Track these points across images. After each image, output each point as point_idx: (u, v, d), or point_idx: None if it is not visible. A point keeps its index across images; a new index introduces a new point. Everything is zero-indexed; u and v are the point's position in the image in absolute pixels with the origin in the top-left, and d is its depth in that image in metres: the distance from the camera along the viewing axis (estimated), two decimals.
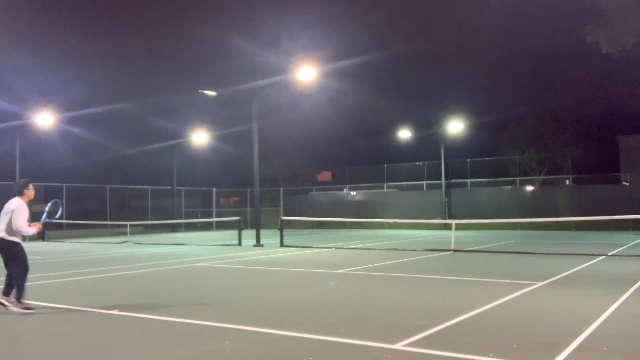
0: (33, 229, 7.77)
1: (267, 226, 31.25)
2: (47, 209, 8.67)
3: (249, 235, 23.05)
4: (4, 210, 7.81)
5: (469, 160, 37.21)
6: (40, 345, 6.08)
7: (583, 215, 25.52)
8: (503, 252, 16.40)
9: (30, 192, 8.06)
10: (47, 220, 8.61)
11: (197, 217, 38.04)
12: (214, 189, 39.70)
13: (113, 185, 34.25)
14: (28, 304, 7.71)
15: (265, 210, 36.71)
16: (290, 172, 42.85)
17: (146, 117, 41.29)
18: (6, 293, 7.69)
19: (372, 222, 33.62)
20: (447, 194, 34.21)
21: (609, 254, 15.19)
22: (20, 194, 7.98)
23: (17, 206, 7.76)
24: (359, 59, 37.79)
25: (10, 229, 7.66)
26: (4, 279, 7.90)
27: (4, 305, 7.61)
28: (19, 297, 7.63)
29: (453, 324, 6.52)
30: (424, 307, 7.74)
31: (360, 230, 32.47)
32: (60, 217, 8.95)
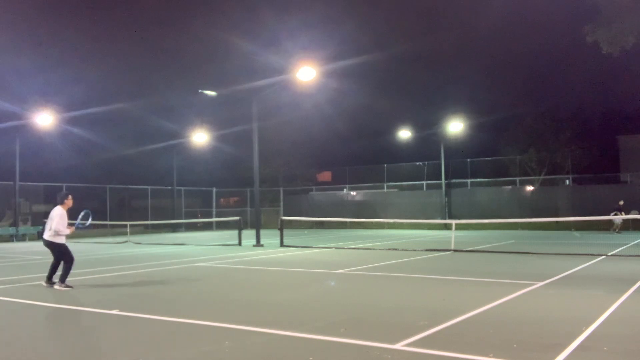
0: (68, 231, 9.80)
1: (267, 226, 31.26)
2: (80, 217, 10.54)
3: (249, 235, 23.05)
4: (49, 217, 9.81)
5: (469, 160, 37.23)
6: (41, 345, 6.08)
7: (583, 215, 25.52)
8: (503, 252, 16.40)
9: (69, 202, 10.00)
10: (80, 225, 10.47)
11: (197, 217, 38.05)
12: (214, 189, 39.70)
13: (113, 185, 34.26)
14: (68, 283, 9.75)
15: (265, 210, 36.70)
16: (290, 172, 42.84)
17: (146, 117, 41.30)
18: (50, 277, 9.86)
19: (372, 222, 33.62)
20: (447, 194, 34.21)
21: (609, 254, 15.19)
22: (61, 203, 9.87)
23: (58, 213, 9.69)
24: (359, 59, 37.81)
25: (54, 232, 9.64)
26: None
27: (51, 286, 9.73)
28: (63, 279, 9.70)
29: (453, 324, 6.52)
30: (424, 307, 7.74)
31: (360, 230, 32.47)
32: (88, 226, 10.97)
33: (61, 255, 9.86)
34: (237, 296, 9.13)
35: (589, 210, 27.49)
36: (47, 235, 9.81)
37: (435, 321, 6.56)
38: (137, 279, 11.47)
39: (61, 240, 9.79)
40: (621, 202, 25.84)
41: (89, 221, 10.68)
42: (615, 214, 23.93)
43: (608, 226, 27.03)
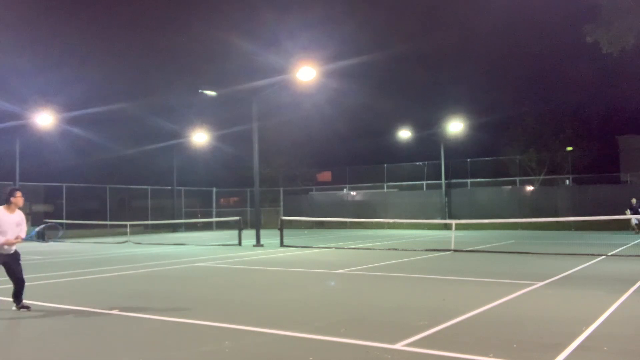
0: (1, 240, 7.53)
1: (267, 226, 31.25)
2: (38, 228, 8.41)
3: (249, 235, 23.05)
4: None
5: (469, 160, 37.19)
6: (40, 345, 6.08)
7: (583, 215, 25.50)
8: (503, 252, 16.39)
9: (17, 200, 7.79)
10: (35, 239, 8.27)
11: (197, 217, 38.04)
12: (214, 189, 39.70)
13: (113, 185, 34.23)
14: None
15: (265, 210, 36.70)
16: (290, 172, 42.82)
17: (146, 117, 41.29)
18: None
19: (372, 222, 33.62)
20: (447, 194, 34.20)
21: (609, 254, 15.19)
22: (7, 202, 7.75)
23: None
24: (359, 59, 37.78)
25: None
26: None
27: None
28: None
29: (453, 324, 6.52)
30: (424, 307, 7.74)
31: (360, 230, 32.46)
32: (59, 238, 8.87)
33: None
34: (237, 296, 9.13)
35: (589, 210, 27.45)
36: None
37: (435, 321, 6.56)
38: (137, 279, 11.47)
39: None
40: (633, 200, 25.60)
41: (60, 234, 8.57)
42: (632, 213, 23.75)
43: (617, 226, 26.78)
